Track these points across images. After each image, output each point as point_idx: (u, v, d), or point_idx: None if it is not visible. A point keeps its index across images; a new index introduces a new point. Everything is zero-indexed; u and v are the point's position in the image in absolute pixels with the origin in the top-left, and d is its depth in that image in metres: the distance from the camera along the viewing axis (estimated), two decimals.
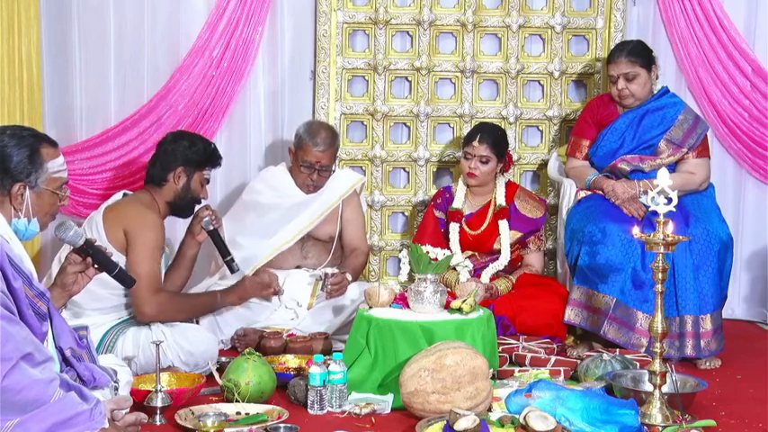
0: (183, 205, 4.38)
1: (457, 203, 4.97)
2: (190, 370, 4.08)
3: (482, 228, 4.96)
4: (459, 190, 5.01)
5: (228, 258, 4.45)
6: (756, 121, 5.42)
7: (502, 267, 4.89)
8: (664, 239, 3.58)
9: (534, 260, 4.99)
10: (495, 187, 5.00)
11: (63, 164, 3.09)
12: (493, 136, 4.94)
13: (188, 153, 4.34)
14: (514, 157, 5.38)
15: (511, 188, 5.03)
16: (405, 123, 5.51)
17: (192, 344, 4.14)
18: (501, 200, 4.96)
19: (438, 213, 5.02)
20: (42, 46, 5.08)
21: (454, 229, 4.93)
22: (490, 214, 4.96)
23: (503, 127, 5.25)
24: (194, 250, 4.51)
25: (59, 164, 3.07)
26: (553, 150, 5.45)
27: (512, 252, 4.94)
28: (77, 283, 3.28)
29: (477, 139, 4.90)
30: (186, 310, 4.32)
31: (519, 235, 4.95)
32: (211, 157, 4.43)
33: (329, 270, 4.83)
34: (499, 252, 4.92)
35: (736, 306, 5.53)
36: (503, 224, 4.92)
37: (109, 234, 4.14)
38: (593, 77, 5.49)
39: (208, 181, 4.44)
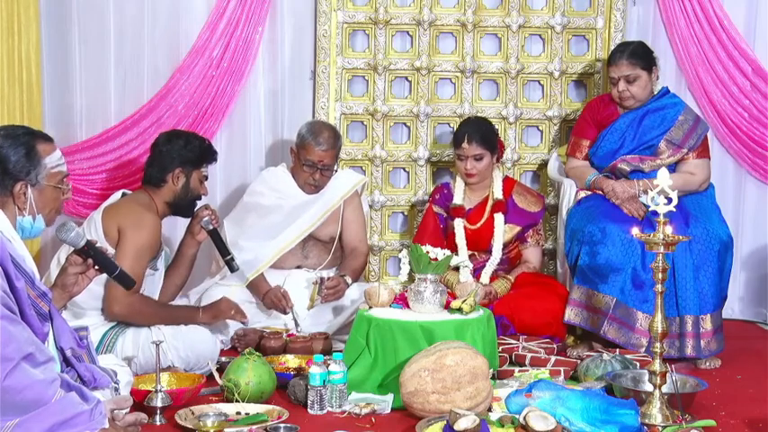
0: (184, 205, 4.39)
1: (457, 200, 4.98)
2: (189, 370, 4.08)
3: (480, 222, 4.97)
4: (458, 186, 5.02)
5: (228, 258, 4.45)
6: (756, 121, 5.42)
7: (497, 262, 4.90)
8: (664, 239, 3.58)
9: (532, 256, 5.00)
10: (493, 181, 5.01)
11: (61, 158, 3.10)
12: (479, 132, 4.93)
13: (184, 153, 4.34)
14: (514, 158, 5.39)
15: (508, 183, 5.05)
16: (405, 123, 5.52)
17: (192, 344, 4.15)
18: (498, 194, 4.97)
19: (437, 209, 5.02)
20: (42, 46, 5.08)
21: (458, 224, 4.93)
22: (488, 208, 4.97)
23: (503, 127, 5.25)
24: (194, 250, 4.51)
25: (57, 158, 3.08)
26: (553, 150, 5.45)
27: (510, 249, 4.95)
28: (78, 284, 3.28)
29: (466, 140, 4.89)
30: (157, 318, 4.20)
31: (517, 229, 4.95)
32: (207, 154, 4.43)
33: (325, 274, 4.83)
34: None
35: (736, 306, 5.53)
36: (498, 217, 4.92)
37: (106, 233, 4.14)
38: (593, 77, 5.49)
39: (206, 177, 4.44)
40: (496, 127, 5.15)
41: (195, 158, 4.37)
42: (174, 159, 4.33)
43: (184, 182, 4.35)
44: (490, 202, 4.99)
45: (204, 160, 4.41)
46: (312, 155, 4.85)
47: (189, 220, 4.49)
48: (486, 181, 5.00)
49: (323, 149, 4.85)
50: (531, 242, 4.99)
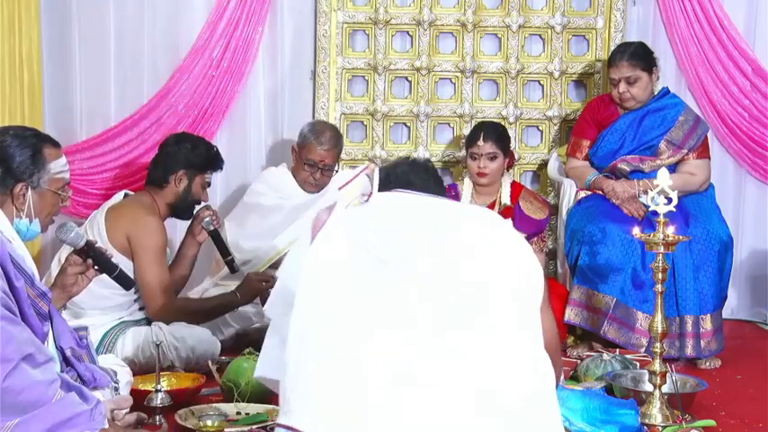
0: (184, 207, 4.39)
1: (464, 203, 4.97)
2: (190, 370, 4.08)
3: None
4: (466, 188, 5.01)
5: (229, 258, 4.45)
6: (756, 121, 5.42)
7: None
8: (664, 239, 3.58)
9: None
10: (501, 186, 5.00)
11: (65, 164, 3.10)
12: (496, 132, 4.96)
13: (190, 156, 4.35)
14: (515, 157, 5.39)
15: (516, 188, 5.03)
16: (405, 123, 5.52)
17: (192, 344, 4.15)
18: (506, 199, 4.97)
19: None
20: (42, 46, 5.08)
21: None
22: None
23: (504, 127, 5.24)
24: (194, 250, 4.51)
25: (62, 164, 3.08)
26: (553, 150, 5.45)
27: None
28: (77, 284, 3.28)
29: (482, 138, 4.90)
30: (201, 316, 4.34)
31: (523, 236, 4.93)
32: (213, 161, 4.44)
33: None
34: None
35: (736, 306, 5.53)
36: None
37: (110, 236, 4.15)
38: (593, 77, 5.49)
39: (209, 184, 4.46)
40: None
41: (200, 163, 4.37)
42: (180, 161, 4.34)
43: (186, 184, 4.35)
44: (497, 208, 4.98)
45: (209, 166, 4.42)
46: (313, 154, 4.86)
47: (190, 221, 4.49)
48: (494, 185, 4.99)
49: (324, 149, 4.86)
50: (535, 248, 4.97)
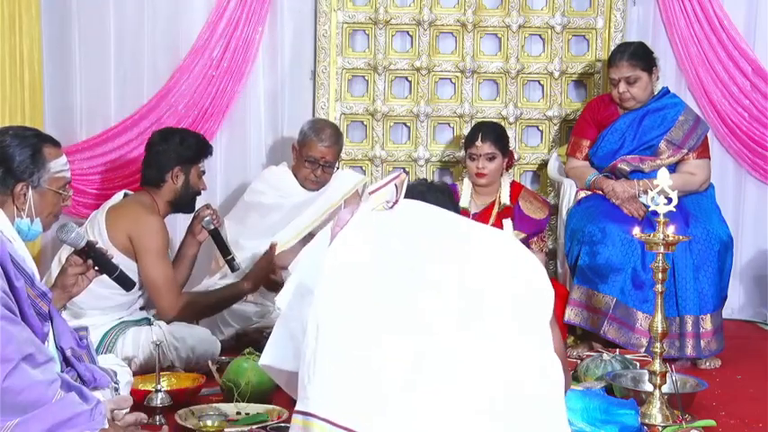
0: (185, 202, 4.39)
1: (464, 203, 4.97)
2: (190, 370, 4.08)
3: None
4: (466, 188, 5.01)
5: (229, 257, 4.45)
6: (756, 121, 5.42)
7: None
8: (664, 239, 3.58)
9: None
10: (500, 186, 5.00)
11: (66, 164, 3.10)
12: (494, 132, 4.95)
13: (181, 150, 4.34)
14: (514, 157, 5.39)
15: (515, 188, 5.03)
16: (405, 123, 5.52)
17: (192, 344, 4.15)
18: (505, 199, 4.96)
19: None
20: (43, 46, 5.08)
21: None
22: (494, 214, 4.96)
23: (502, 127, 5.25)
24: (195, 249, 4.52)
25: (62, 164, 3.08)
26: (553, 150, 5.45)
27: None
28: (78, 284, 3.28)
29: (480, 138, 4.90)
30: (209, 309, 4.37)
31: (522, 236, 4.94)
32: (204, 149, 4.43)
33: None
34: None
35: (736, 306, 5.53)
36: (507, 223, 4.91)
37: (111, 236, 4.14)
38: (593, 77, 5.49)
39: (204, 172, 4.44)
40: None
41: (192, 155, 4.37)
42: (172, 158, 4.33)
43: (184, 179, 4.35)
44: (496, 208, 4.98)
45: (201, 156, 4.41)
46: (314, 151, 4.86)
47: (189, 220, 4.49)
48: (494, 185, 4.98)
49: (325, 146, 4.86)
50: (535, 248, 4.98)
